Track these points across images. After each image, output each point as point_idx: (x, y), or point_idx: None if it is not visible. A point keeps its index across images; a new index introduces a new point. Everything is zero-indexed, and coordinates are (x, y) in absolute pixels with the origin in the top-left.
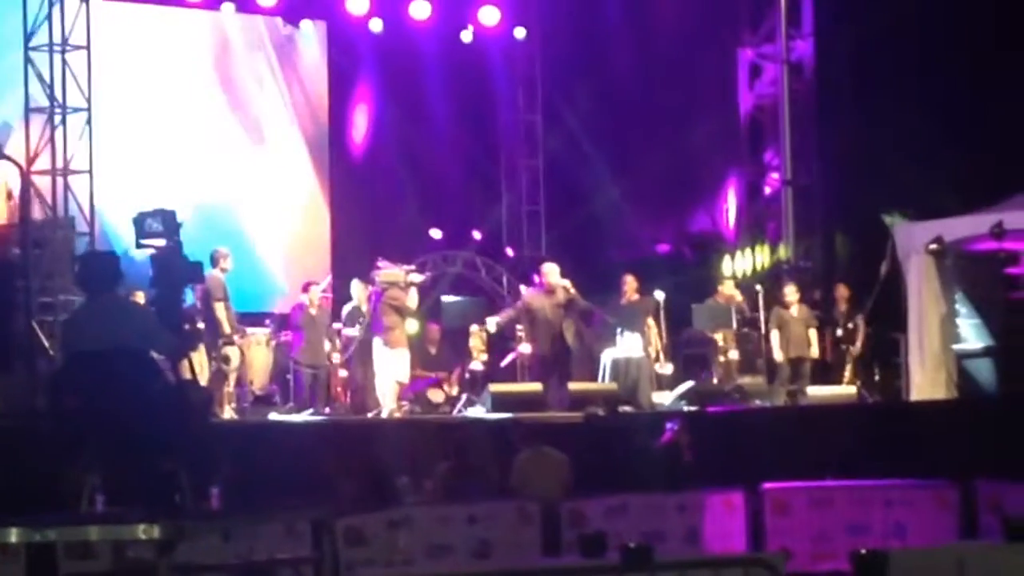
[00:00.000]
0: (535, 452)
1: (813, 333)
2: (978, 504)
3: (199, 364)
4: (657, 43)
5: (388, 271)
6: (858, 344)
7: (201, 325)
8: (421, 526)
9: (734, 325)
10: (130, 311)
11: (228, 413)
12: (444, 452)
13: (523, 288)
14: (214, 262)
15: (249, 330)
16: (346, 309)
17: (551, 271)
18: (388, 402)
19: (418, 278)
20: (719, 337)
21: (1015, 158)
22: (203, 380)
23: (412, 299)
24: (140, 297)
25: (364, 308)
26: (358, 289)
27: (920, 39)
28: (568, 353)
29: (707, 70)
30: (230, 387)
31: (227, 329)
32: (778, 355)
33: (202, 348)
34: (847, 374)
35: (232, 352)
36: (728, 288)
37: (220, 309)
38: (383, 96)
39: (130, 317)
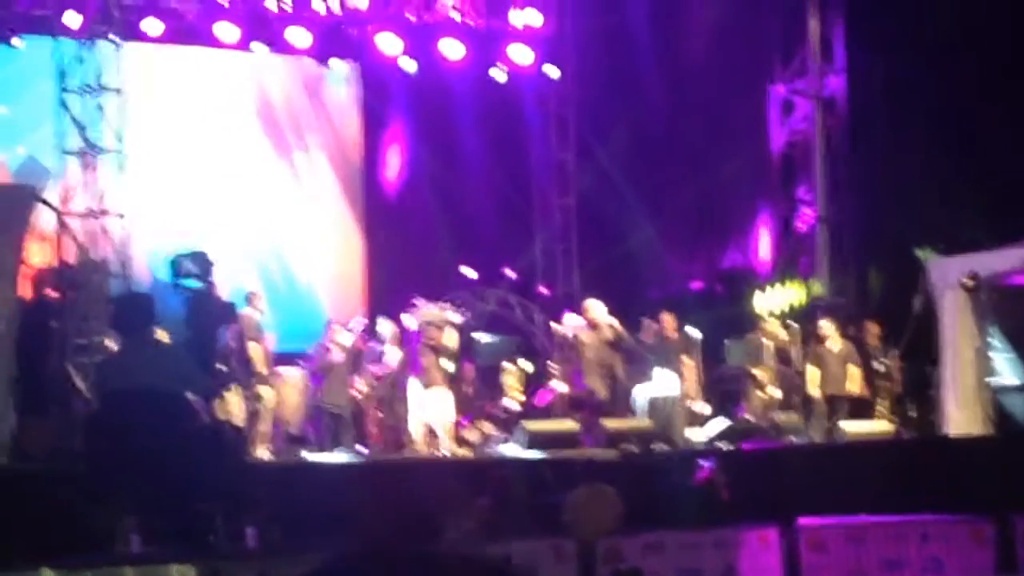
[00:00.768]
0: (589, 488)
1: (854, 369)
2: (1016, 539)
3: (235, 404)
4: (689, 80)
5: (426, 310)
6: (897, 381)
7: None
8: None
9: (767, 361)
10: (164, 352)
11: (263, 453)
12: (482, 490)
13: (561, 324)
14: (248, 302)
15: (282, 369)
16: (376, 348)
17: (594, 307)
18: (444, 442)
19: (456, 318)
20: (758, 372)
21: None
22: (238, 420)
23: (450, 339)
24: (163, 336)
25: (391, 347)
26: (387, 327)
27: (953, 73)
28: (616, 390)
29: (739, 106)
30: (265, 426)
31: (261, 368)
32: (815, 392)
33: (237, 388)
34: (882, 410)
35: (265, 391)
36: (773, 325)
37: (254, 348)
38: (416, 135)
39: (165, 358)
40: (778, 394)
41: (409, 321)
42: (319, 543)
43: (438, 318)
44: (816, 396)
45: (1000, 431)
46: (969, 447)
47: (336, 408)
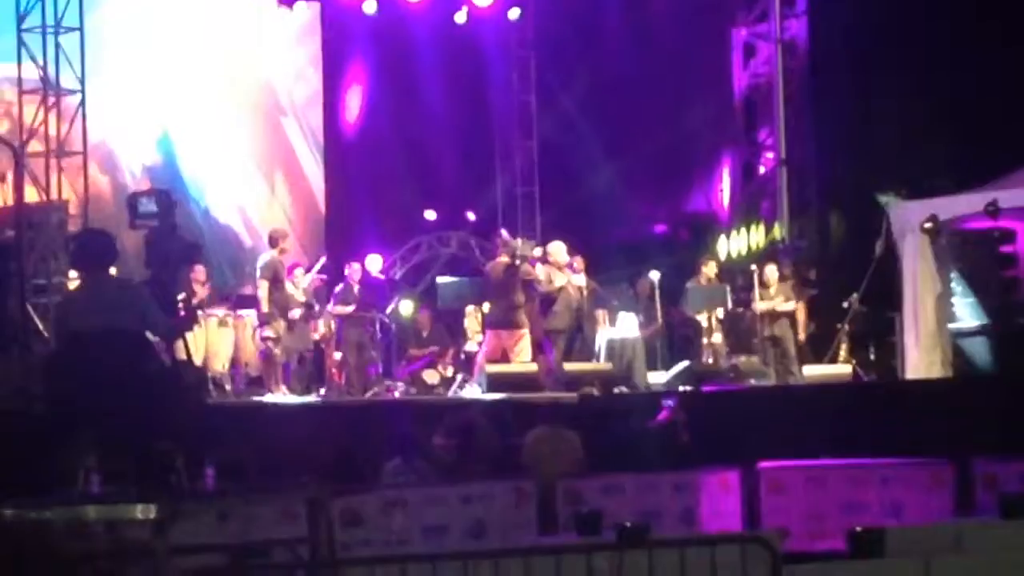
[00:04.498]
0: (547, 431)
1: (793, 308)
2: (974, 481)
3: (194, 345)
4: (651, 23)
5: (517, 244)
6: (857, 324)
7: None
8: (417, 506)
9: (728, 304)
10: (125, 291)
11: (282, 393)
12: (440, 432)
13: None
14: (273, 243)
15: (242, 312)
16: (338, 290)
17: (556, 250)
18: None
19: (539, 252)
20: (702, 318)
21: (1010, 136)
22: (198, 361)
23: (542, 272)
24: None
25: (356, 289)
26: (352, 271)
27: (913, 17)
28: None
29: (701, 50)
30: (275, 367)
31: (265, 307)
32: (767, 332)
33: (198, 328)
34: (842, 353)
35: (270, 331)
36: (711, 269)
37: (263, 287)
38: (377, 77)
39: (125, 297)
40: (718, 339)
41: (373, 263)
42: (278, 484)
43: (530, 253)
44: (769, 335)
45: (960, 374)
46: (928, 390)
47: (298, 350)
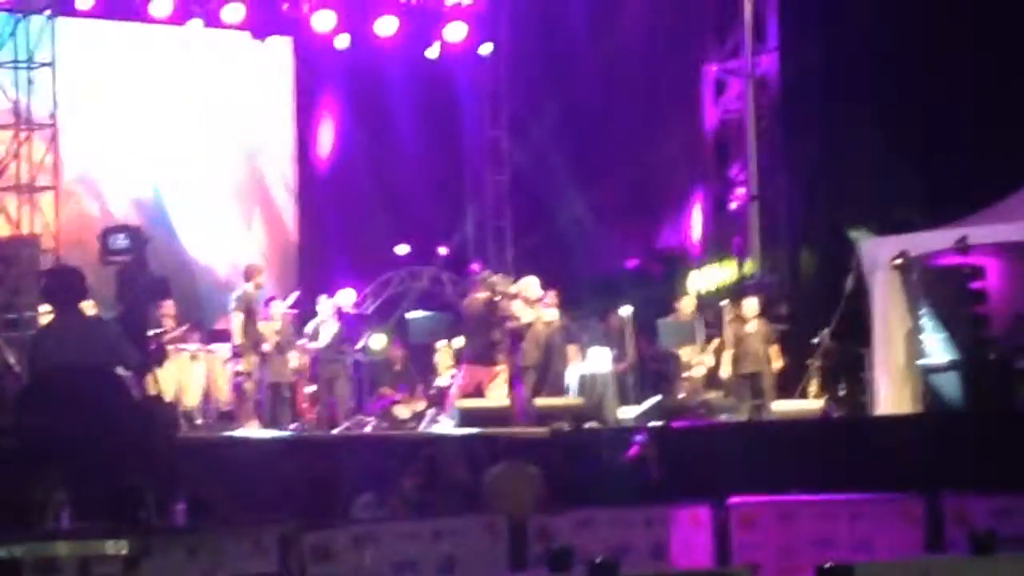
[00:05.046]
0: (508, 467)
1: (774, 349)
2: (944, 518)
3: (165, 379)
4: (622, 58)
5: (495, 280)
6: (827, 360)
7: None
8: (387, 542)
9: (698, 341)
10: (95, 327)
11: (253, 428)
12: (412, 468)
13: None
14: (248, 277)
15: (213, 346)
16: (311, 325)
17: (529, 285)
18: None
19: (516, 288)
20: (683, 353)
21: (981, 172)
22: (168, 396)
23: (519, 309)
24: (90, 309)
25: (328, 323)
26: (325, 305)
27: (886, 53)
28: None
29: (672, 85)
30: (249, 401)
31: (238, 340)
32: (724, 371)
33: (170, 363)
34: (813, 388)
35: (243, 364)
36: (687, 305)
37: (237, 321)
38: (349, 112)
39: (96, 333)
40: (698, 373)
41: (345, 298)
42: (249, 519)
43: (509, 289)
44: (725, 376)
45: (930, 410)
46: (899, 425)
47: (271, 383)
